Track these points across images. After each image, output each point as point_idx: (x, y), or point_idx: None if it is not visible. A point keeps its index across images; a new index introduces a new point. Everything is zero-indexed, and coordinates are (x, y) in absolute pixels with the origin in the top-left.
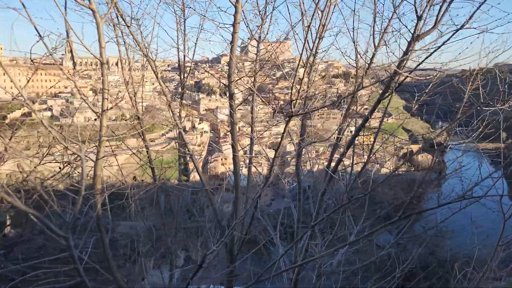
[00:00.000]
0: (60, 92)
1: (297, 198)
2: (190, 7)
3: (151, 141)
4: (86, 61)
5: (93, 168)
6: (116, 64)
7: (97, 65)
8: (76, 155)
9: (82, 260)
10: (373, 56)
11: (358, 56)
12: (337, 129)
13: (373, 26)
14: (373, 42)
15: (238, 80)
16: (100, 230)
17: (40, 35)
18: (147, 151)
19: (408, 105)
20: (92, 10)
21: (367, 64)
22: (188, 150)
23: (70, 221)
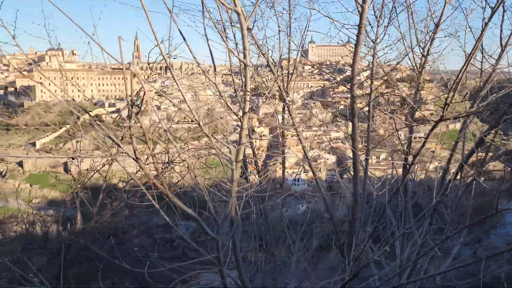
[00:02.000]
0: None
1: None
2: (314, 9)
3: (205, 144)
4: (152, 66)
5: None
6: (179, 68)
7: (161, 69)
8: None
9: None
10: (499, 57)
11: (484, 58)
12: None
13: (501, 24)
14: (500, 41)
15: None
16: (233, 232)
17: (157, 40)
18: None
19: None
20: (237, 12)
21: (492, 66)
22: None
23: (221, 223)
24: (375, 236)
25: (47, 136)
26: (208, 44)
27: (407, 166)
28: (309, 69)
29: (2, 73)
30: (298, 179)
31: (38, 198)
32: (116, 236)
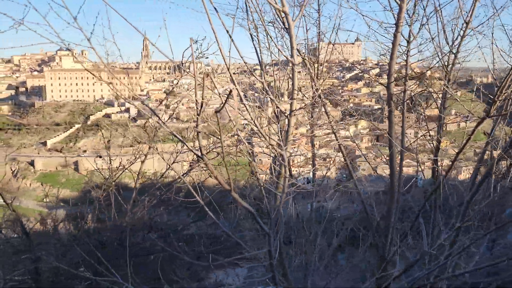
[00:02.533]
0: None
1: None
2: (351, 8)
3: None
4: (161, 65)
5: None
6: (188, 67)
7: (170, 69)
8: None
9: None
10: None
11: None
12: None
13: None
14: None
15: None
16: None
17: (193, 40)
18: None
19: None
20: (284, 12)
21: None
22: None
23: (274, 218)
24: (401, 234)
25: (58, 135)
26: (254, 44)
27: (449, 163)
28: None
29: (13, 73)
30: (308, 178)
31: (50, 196)
32: (155, 231)
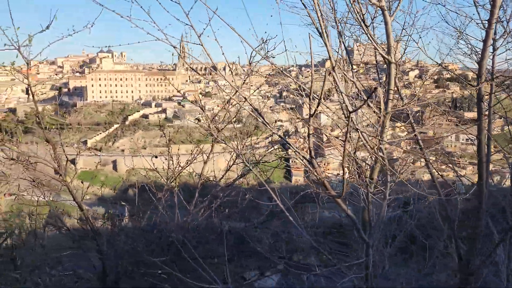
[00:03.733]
0: (173, 96)
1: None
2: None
3: (255, 144)
4: (197, 66)
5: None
6: (224, 69)
7: (206, 70)
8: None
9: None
10: None
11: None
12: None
13: None
14: None
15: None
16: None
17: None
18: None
19: None
20: (381, 8)
21: None
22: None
23: (375, 226)
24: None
25: (98, 134)
26: (342, 42)
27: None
28: (354, 69)
29: (56, 74)
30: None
31: (89, 194)
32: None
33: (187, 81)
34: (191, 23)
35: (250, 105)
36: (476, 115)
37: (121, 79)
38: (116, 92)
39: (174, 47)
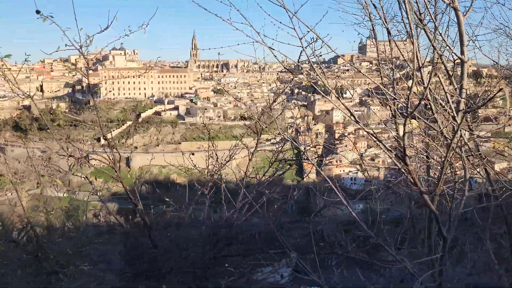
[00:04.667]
0: (186, 93)
1: None
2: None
3: (267, 140)
4: (209, 64)
5: None
6: (235, 66)
7: (218, 67)
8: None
9: None
10: None
11: None
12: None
13: None
14: None
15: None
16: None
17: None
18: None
19: None
20: (454, 8)
21: None
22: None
23: (453, 222)
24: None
25: (112, 131)
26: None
27: None
28: (367, 66)
29: (70, 72)
30: (355, 178)
31: (103, 191)
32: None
33: (199, 78)
34: (293, 26)
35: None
36: None
37: (133, 76)
38: (129, 89)
39: (270, 48)
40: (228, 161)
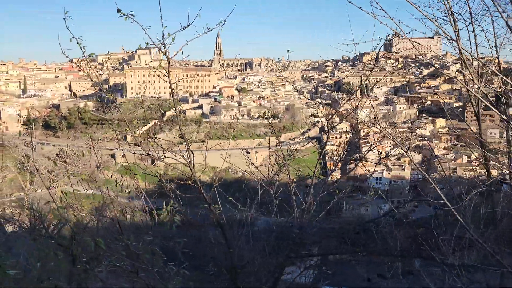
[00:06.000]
0: (210, 92)
1: None
2: None
3: (291, 139)
4: (233, 63)
5: None
6: (259, 64)
7: (241, 66)
8: None
9: None
10: None
11: None
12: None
13: None
14: None
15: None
16: None
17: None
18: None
19: None
20: None
21: None
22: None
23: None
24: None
25: (138, 130)
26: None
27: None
28: (393, 63)
29: (97, 71)
30: (380, 178)
31: (129, 188)
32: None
33: (222, 77)
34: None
35: None
36: None
37: (158, 75)
38: (154, 88)
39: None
40: (289, 158)
